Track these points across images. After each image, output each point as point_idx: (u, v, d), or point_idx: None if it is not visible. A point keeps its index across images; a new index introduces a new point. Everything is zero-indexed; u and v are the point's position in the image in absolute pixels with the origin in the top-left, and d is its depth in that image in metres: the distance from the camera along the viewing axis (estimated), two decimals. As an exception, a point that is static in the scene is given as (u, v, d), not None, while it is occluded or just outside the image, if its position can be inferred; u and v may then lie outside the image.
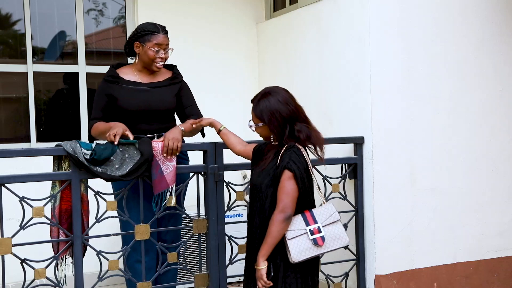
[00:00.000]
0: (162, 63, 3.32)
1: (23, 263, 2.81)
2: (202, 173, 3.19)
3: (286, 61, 4.56)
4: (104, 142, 2.96)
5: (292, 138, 2.64)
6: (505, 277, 3.98)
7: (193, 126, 3.15)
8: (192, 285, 3.27)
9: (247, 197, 3.40)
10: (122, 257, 3.06)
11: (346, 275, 3.62)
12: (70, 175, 2.87)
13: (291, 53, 4.48)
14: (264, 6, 5.02)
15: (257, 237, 2.67)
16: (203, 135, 3.50)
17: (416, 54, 3.67)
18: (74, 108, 4.59)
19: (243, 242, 3.29)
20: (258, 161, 2.79)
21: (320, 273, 2.99)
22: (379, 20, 3.58)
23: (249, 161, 2.96)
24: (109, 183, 3.10)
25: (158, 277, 3.19)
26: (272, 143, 2.71)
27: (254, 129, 2.75)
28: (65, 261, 2.94)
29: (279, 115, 2.63)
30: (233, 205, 3.32)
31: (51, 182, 2.92)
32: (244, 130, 3.20)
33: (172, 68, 3.49)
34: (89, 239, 2.98)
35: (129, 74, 3.35)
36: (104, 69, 3.55)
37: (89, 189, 2.96)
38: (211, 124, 3.10)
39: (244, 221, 3.74)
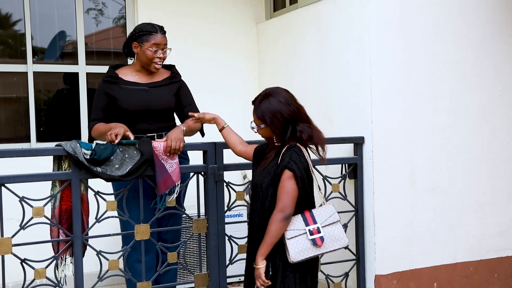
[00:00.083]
0: (161, 63, 3.33)
1: (23, 263, 2.81)
2: (202, 173, 3.19)
3: (286, 61, 4.56)
4: (104, 142, 2.97)
5: (294, 139, 2.64)
6: (505, 277, 3.98)
7: (196, 116, 3.09)
8: (192, 285, 3.28)
9: (247, 197, 3.41)
10: (122, 257, 3.07)
11: (346, 275, 3.62)
12: (70, 175, 2.87)
13: (291, 53, 4.48)
14: (264, 6, 5.02)
15: (257, 236, 2.66)
16: (203, 134, 3.50)
17: (416, 54, 3.67)
18: (74, 108, 4.59)
19: (243, 242, 3.30)
20: (259, 160, 2.79)
21: (320, 273, 3.00)
22: (379, 20, 3.58)
23: (249, 161, 2.96)
24: (109, 183, 3.10)
25: (158, 277, 3.19)
26: (275, 144, 2.71)
27: (256, 131, 2.75)
28: (65, 261, 2.94)
29: (281, 116, 2.63)
30: (233, 205, 3.32)
31: (51, 182, 2.92)
32: (244, 130, 3.20)
33: (171, 68, 3.49)
34: (89, 239, 2.98)
35: (128, 74, 3.36)
36: (104, 69, 3.55)
37: (89, 189, 2.96)
38: (214, 120, 3.05)
39: (244, 221, 3.75)
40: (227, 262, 3.27)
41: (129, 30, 4.58)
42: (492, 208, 3.93)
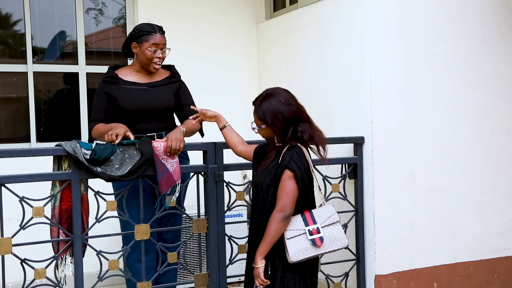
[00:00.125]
0: (160, 63, 3.33)
1: (23, 263, 2.81)
2: (202, 173, 3.19)
3: (286, 61, 4.56)
4: (104, 142, 2.97)
5: (295, 139, 2.64)
6: (505, 277, 3.98)
7: (198, 111, 3.09)
8: (192, 285, 3.28)
9: (247, 197, 3.41)
10: (122, 257, 3.07)
11: (346, 275, 3.62)
12: (70, 175, 2.87)
13: (291, 53, 4.48)
14: (264, 6, 5.02)
15: (257, 236, 2.66)
16: (202, 135, 3.51)
17: (416, 54, 3.67)
18: (74, 108, 4.59)
19: (243, 242, 3.30)
20: (260, 160, 2.79)
21: (320, 273, 3.00)
22: (379, 20, 3.58)
23: (249, 161, 2.96)
24: (109, 183, 3.10)
25: (158, 276, 3.19)
26: (276, 144, 2.71)
27: (256, 131, 2.75)
28: (65, 261, 2.94)
29: (282, 116, 2.63)
30: (233, 205, 3.32)
31: (51, 182, 2.92)
32: (244, 130, 3.20)
33: (170, 68, 3.50)
34: (89, 239, 2.98)
35: (127, 75, 3.37)
36: (104, 69, 3.55)
37: (89, 189, 2.96)
38: (215, 118, 3.05)
39: (244, 221, 3.76)
40: (227, 262, 3.27)
41: (129, 30, 4.58)
42: (492, 208, 3.93)
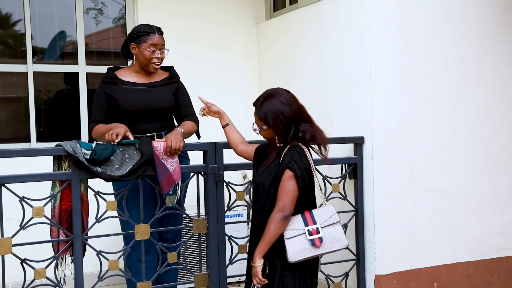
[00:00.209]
0: (159, 63, 3.34)
1: (23, 263, 2.81)
2: (202, 173, 3.19)
3: (286, 61, 4.56)
4: (104, 142, 2.97)
5: (296, 139, 2.64)
6: (505, 277, 3.98)
7: (204, 103, 3.08)
8: (192, 285, 3.28)
9: (247, 197, 3.41)
10: (122, 257, 3.07)
11: (346, 275, 3.62)
12: (70, 175, 2.87)
13: (291, 53, 4.48)
14: (264, 6, 5.02)
15: (258, 236, 2.66)
16: (199, 136, 3.50)
17: (416, 54, 3.67)
18: (74, 108, 4.59)
19: (243, 242, 3.30)
20: (260, 160, 2.79)
21: (320, 273, 3.00)
22: (379, 20, 3.58)
23: (249, 161, 2.96)
24: (110, 183, 3.11)
25: (159, 276, 3.20)
26: (277, 145, 2.71)
27: (258, 132, 2.75)
28: (65, 261, 2.94)
29: (283, 116, 2.63)
30: (233, 205, 3.32)
31: (51, 182, 2.92)
32: (244, 130, 3.20)
33: (169, 69, 3.50)
34: (89, 239, 2.98)
35: (126, 75, 3.37)
36: (104, 69, 3.55)
37: (89, 189, 2.96)
38: (219, 114, 3.06)
39: (244, 221, 3.76)
40: (227, 262, 3.27)
41: (129, 30, 4.57)
42: (492, 208, 3.93)
